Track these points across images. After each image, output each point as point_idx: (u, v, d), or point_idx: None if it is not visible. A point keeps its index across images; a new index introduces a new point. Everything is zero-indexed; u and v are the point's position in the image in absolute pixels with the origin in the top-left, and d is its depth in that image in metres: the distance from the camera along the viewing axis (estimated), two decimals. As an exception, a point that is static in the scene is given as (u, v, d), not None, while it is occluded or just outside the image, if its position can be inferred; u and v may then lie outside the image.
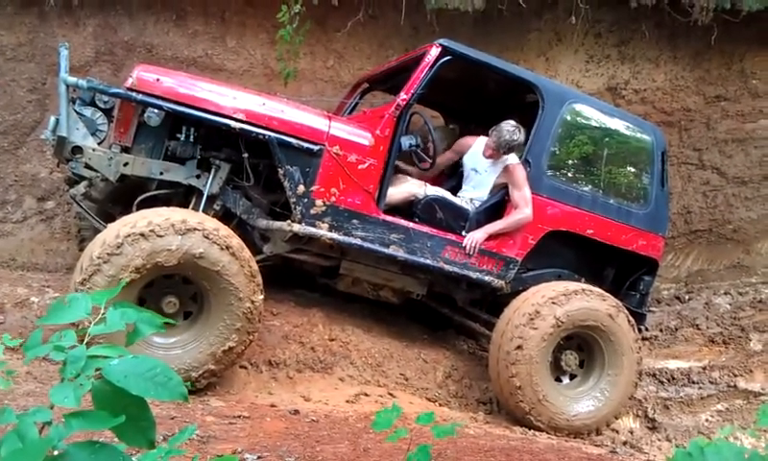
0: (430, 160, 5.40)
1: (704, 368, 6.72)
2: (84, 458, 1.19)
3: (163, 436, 2.87)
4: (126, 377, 1.21)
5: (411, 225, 5.15)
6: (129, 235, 4.00)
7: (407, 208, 5.33)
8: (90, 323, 1.36)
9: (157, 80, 4.69)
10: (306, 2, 6.49)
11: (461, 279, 5.41)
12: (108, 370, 1.23)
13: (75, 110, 4.75)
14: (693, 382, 6.61)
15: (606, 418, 5.13)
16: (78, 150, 4.69)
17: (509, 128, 5.29)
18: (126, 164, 4.77)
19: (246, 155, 4.91)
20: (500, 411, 5.38)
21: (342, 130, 5.01)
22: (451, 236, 5.26)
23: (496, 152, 5.36)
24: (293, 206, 4.85)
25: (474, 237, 5.26)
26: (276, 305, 5.40)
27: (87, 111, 4.80)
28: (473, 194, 5.56)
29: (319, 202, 4.88)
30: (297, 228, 4.83)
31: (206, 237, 4.13)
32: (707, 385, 6.49)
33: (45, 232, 6.73)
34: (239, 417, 3.69)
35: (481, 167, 5.54)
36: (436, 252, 5.19)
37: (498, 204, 5.46)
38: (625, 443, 5.21)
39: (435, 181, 5.78)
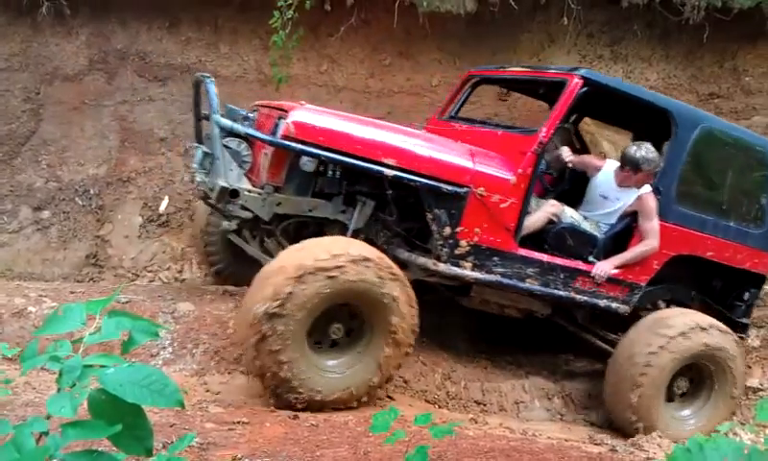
0: (552, 187, 5.54)
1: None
2: (81, 467, 1.19)
3: (163, 444, 2.87)
4: (122, 386, 1.22)
5: (546, 258, 5.24)
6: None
7: (537, 233, 5.40)
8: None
9: (314, 128, 4.74)
10: (299, 8, 6.50)
11: (588, 306, 5.52)
12: (103, 378, 1.23)
13: (216, 121, 4.77)
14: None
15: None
16: (235, 194, 4.76)
17: (652, 154, 5.31)
18: (279, 204, 4.87)
19: (390, 191, 4.94)
20: (499, 412, 5.39)
21: (486, 166, 5.04)
22: (582, 266, 5.34)
23: (639, 181, 5.39)
24: (438, 247, 4.96)
25: (604, 269, 5.34)
26: (274, 311, 5.39)
27: (233, 143, 4.88)
28: (601, 218, 5.62)
29: (463, 242, 4.97)
30: (442, 268, 4.96)
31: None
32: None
33: (41, 242, 6.73)
34: (238, 423, 3.69)
35: (612, 195, 5.56)
36: (568, 282, 5.31)
37: (625, 229, 5.53)
38: (625, 440, 5.20)
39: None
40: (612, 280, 5.38)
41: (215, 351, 4.91)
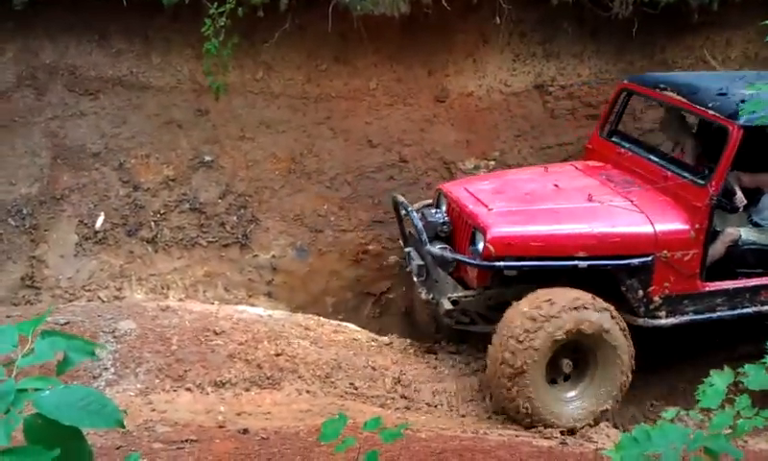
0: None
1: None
2: (20, 496, 1.14)
3: (108, 467, 2.80)
4: (58, 409, 1.17)
5: (731, 285, 5.65)
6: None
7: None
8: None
9: (510, 243, 5.24)
10: (231, 15, 6.41)
11: None
12: (39, 402, 1.18)
13: (428, 251, 5.44)
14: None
15: None
16: (455, 303, 5.39)
17: None
18: (490, 298, 5.45)
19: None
20: (451, 412, 5.40)
21: (663, 223, 5.44)
22: (765, 281, 5.74)
23: None
24: (634, 308, 5.45)
25: None
26: (218, 323, 5.32)
27: (436, 249, 5.47)
28: None
29: (656, 298, 5.45)
30: (641, 322, 5.47)
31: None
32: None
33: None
34: (187, 441, 3.63)
35: None
36: (754, 298, 5.73)
37: None
38: (574, 433, 5.27)
39: None
40: None
41: (159, 368, 4.82)
